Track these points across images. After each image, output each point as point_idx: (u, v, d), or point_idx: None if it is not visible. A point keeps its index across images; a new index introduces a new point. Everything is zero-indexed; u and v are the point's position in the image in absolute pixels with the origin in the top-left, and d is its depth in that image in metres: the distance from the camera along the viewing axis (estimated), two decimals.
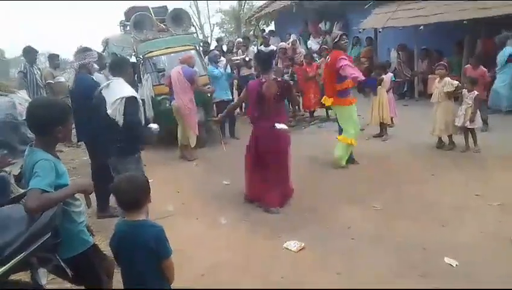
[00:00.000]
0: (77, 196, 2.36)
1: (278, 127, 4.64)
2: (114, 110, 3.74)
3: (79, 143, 6.61)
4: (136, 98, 3.86)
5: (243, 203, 5.02)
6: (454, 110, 6.24)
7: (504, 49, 7.26)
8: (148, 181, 2.28)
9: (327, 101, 6.00)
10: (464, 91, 6.08)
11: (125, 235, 2.22)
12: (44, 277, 2.19)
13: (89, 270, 2.44)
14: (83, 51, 4.75)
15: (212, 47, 11.13)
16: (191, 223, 4.53)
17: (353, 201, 4.81)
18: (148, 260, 2.18)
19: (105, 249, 2.83)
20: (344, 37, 5.78)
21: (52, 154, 2.26)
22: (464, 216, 4.23)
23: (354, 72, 5.44)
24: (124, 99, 3.73)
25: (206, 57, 9.07)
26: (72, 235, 2.35)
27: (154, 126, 4.14)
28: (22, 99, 5.26)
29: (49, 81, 7.51)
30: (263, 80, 4.73)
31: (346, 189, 5.19)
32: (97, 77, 5.29)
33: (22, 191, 3.19)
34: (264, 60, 4.90)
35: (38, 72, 7.59)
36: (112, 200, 4.50)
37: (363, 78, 5.66)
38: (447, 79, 6.22)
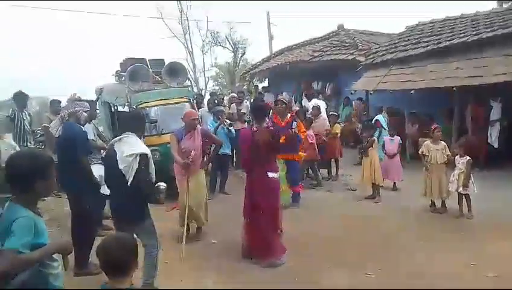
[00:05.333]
0: (55, 256, 2.18)
1: (270, 176, 4.76)
2: (126, 167, 3.68)
3: (60, 193, 6.38)
4: (147, 156, 3.81)
5: (230, 262, 4.80)
6: (446, 174, 6.24)
7: None
8: (136, 245, 2.12)
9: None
10: (456, 157, 6.13)
11: None
12: None
13: None
14: (74, 100, 4.72)
15: (205, 99, 11.24)
16: (174, 284, 4.26)
17: (344, 265, 4.63)
18: None
19: None
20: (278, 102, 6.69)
21: (33, 210, 2.12)
22: (460, 287, 4.06)
23: None
24: (139, 156, 3.70)
25: (200, 109, 9.16)
26: None
27: (162, 185, 4.20)
28: (7, 145, 5.13)
29: (45, 124, 7.41)
30: (255, 129, 4.86)
31: (337, 251, 5.02)
32: (86, 127, 5.20)
33: None
34: (258, 110, 5.10)
35: (28, 118, 7.48)
36: (93, 255, 4.25)
37: None
38: (444, 143, 6.34)
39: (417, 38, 10.95)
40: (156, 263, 3.95)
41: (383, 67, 10.78)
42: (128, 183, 3.67)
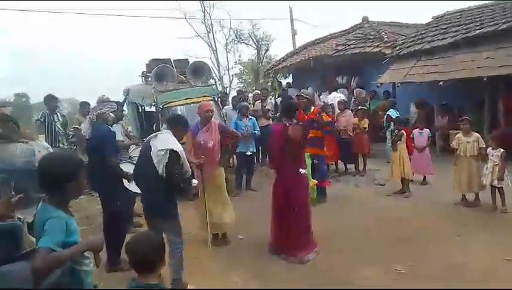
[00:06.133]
0: (87, 254, 2.25)
1: (302, 172, 4.84)
2: (158, 162, 3.84)
3: (92, 192, 6.56)
4: (179, 153, 3.92)
5: (257, 258, 4.83)
6: (479, 167, 6.05)
7: None
8: (164, 243, 2.16)
9: None
10: (489, 149, 5.94)
11: None
12: None
13: None
14: (102, 101, 4.83)
15: (230, 97, 11.28)
16: (202, 280, 4.31)
17: (374, 262, 4.56)
18: None
19: None
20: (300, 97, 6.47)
21: (65, 210, 2.18)
22: (493, 283, 3.94)
23: None
24: (169, 151, 3.83)
25: (225, 107, 9.21)
26: None
27: (194, 181, 4.35)
28: (41, 146, 5.29)
29: (75, 126, 7.63)
30: (287, 124, 4.85)
31: (366, 248, 4.95)
32: (114, 127, 5.33)
33: (33, 239, 3.13)
34: (289, 107, 5.14)
35: (60, 120, 7.71)
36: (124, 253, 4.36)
37: None
38: (477, 135, 6.15)
39: (444, 28, 10.63)
40: (182, 260, 4.02)
41: (410, 59, 10.52)
42: (159, 172, 3.81)
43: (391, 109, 9.03)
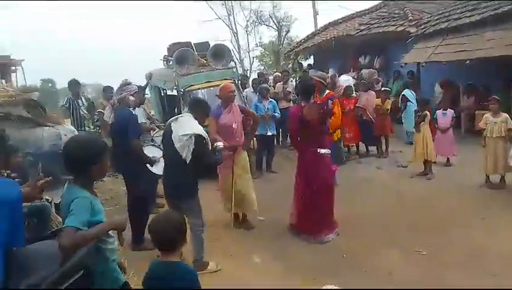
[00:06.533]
0: (111, 233, 2.34)
1: (321, 152, 4.76)
2: (182, 146, 3.87)
3: (116, 174, 6.75)
4: (204, 138, 3.97)
5: (278, 239, 4.89)
6: (506, 148, 5.89)
7: None
8: (185, 222, 2.23)
9: None
10: None
11: (159, 277, 2.17)
12: None
13: None
14: (123, 85, 4.90)
15: (250, 80, 11.26)
16: (223, 261, 4.41)
17: (395, 244, 4.55)
18: None
19: (138, 283, 2.78)
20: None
21: (90, 191, 2.26)
22: None
23: None
24: (194, 136, 3.87)
25: (245, 90, 9.21)
26: (104, 272, 2.32)
27: (219, 144, 4.40)
28: (67, 130, 5.46)
29: (99, 110, 7.81)
30: (304, 105, 4.82)
31: (387, 230, 4.94)
32: (136, 111, 5.41)
33: (61, 219, 3.27)
34: (306, 88, 5.04)
35: (85, 104, 7.88)
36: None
37: None
38: (506, 115, 5.98)
39: (473, 5, 10.22)
40: (203, 241, 4.11)
41: (436, 37, 10.18)
42: (187, 161, 3.86)
43: (406, 89, 8.87)
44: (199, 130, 3.95)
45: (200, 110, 4.22)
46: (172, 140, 3.95)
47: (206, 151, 4.03)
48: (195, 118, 4.09)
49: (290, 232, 5.02)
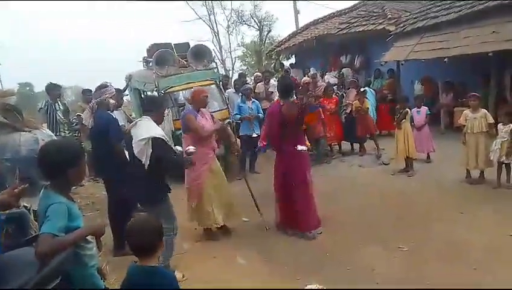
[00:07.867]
0: (89, 238, 2.30)
1: (299, 149, 4.84)
2: (140, 151, 3.73)
3: (97, 179, 6.65)
4: (163, 139, 3.84)
5: (262, 239, 4.89)
6: (487, 143, 6.00)
7: None
8: (162, 226, 2.20)
9: None
10: (499, 125, 5.87)
11: (137, 282, 2.13)
12: None
13: None
14: (101, 87, 4.82)
15: (232, 80, 11.23)
16: (206, 262, 4.38)
17: (377, 241, 4.60)
18: None
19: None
20: None
21: (66, 196, 2.22)
22: (497, 259, 3.96)
23: None
24: (151, 140, 3.73)
25: (227, 90, 9.18)
26: (83, 279, 2.29)
27: (191, 148, 4.20)
28: (45, 135, 5.34)
29: (78, 113, 7.67)
30: (282, 104, 4.87)
31: (370, 227, 4.99)
32: (116, 114, 5.33)
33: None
34: (285, 87, 5.07)
35: (61, 108, 7.70)
36: None
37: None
38: (485, 110, 6.08)
39: (449, 4, 10.41)
40: (172, 246, 4.01)
41: (414, 36, 10.33)
42: (145, 167, 3.73)
43: (366, 87, 9.05)
44: (157, 132, 3.82)
45: (154, 110, 4.05)
46: (133, 147, 3.80)
47: (167, 154, 3.87)
48: (154, 120, 3.95)
49: (277, 231, 5.04)
